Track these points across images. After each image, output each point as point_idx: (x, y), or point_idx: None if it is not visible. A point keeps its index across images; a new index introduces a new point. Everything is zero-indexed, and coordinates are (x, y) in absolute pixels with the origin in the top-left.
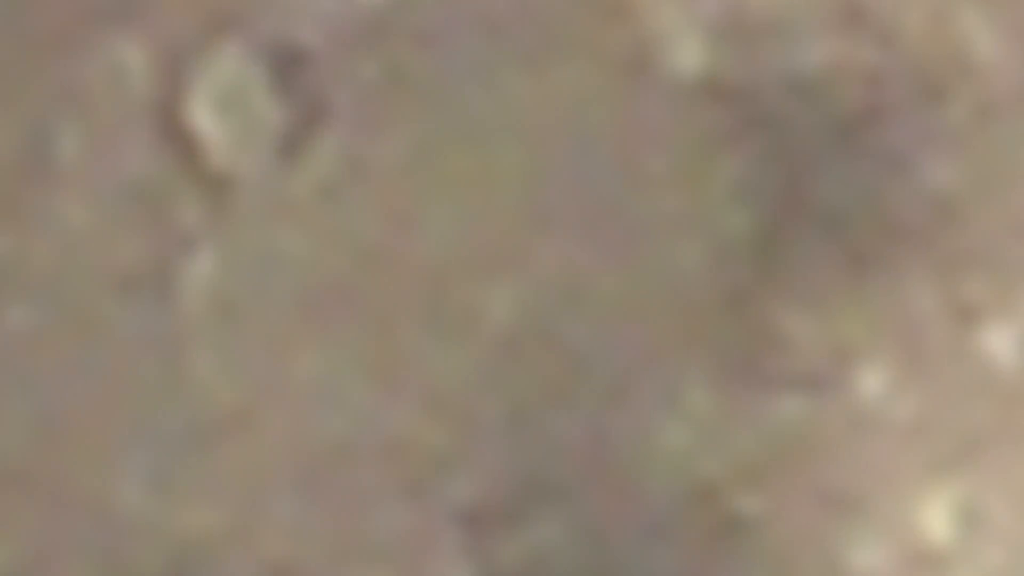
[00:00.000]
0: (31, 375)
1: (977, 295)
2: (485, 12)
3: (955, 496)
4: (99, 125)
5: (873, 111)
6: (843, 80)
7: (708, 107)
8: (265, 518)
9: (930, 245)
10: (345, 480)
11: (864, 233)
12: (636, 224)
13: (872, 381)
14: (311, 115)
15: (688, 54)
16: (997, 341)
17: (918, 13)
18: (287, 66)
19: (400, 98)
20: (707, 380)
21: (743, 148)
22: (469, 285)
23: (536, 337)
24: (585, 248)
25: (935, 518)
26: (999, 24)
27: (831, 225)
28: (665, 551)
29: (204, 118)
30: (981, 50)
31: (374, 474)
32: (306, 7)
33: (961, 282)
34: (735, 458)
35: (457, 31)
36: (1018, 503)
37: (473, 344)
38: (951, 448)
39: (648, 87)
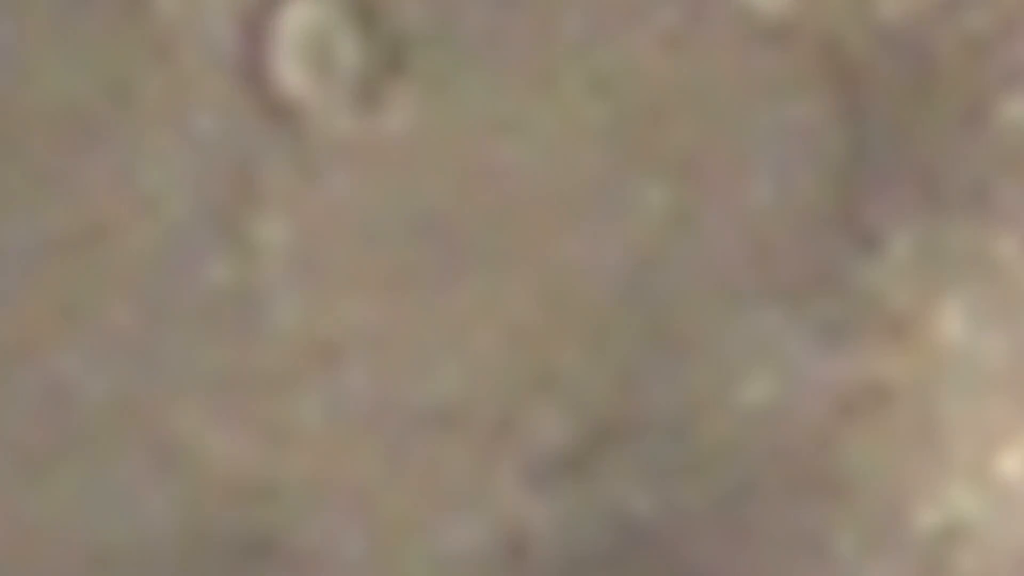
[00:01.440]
0: (114, 319)
1: None
2: None
3: None
4: (179, 73)
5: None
6: (927, 30)
7: (785, 50)
8: (343, 465)
9: (1017, 185)
10: (422, 425)
11: (944, 180)
12: (710, 169)
13: (955, 325)
14: (392, 61)
15: None
16: None
17: None
18: (369, 12)
19: (480, 44)
20: (789, 330)
21: (819, 95)
22: (550, 231)
23: (620, 283)
24: (665, 196)
25: (1018, 465)
26: None
27: (909, 171)
28: (751, 504)
29: (285, 64)
30: None
31: (452, 419)
32: None
33: None
34: (818, 409)
35: None
36: None
37: (554, 289)
38: None
39: (725, 28)
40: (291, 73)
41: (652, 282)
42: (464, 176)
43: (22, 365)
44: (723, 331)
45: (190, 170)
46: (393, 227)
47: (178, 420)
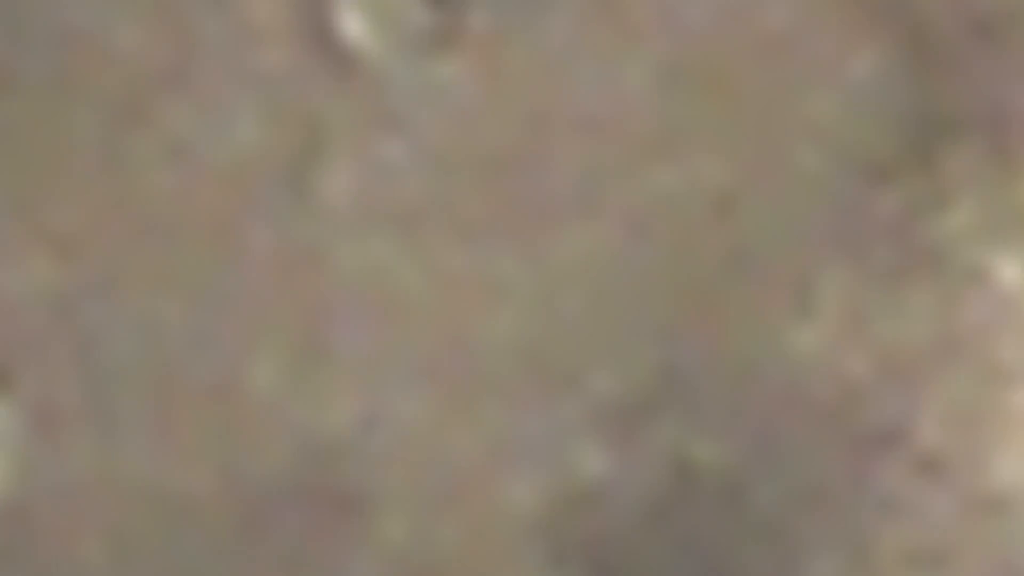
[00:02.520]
0: (183, 271)
1: None
2: None
3: None
4: (243, 24)
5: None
6: None
7: (851, 4)
8: (412, 413)
9: None
10: (486, 375)
11: (1013, 131)
12: (771, 127)
13: (1015, 272)
14: (456, 12)
15: None
16: None
17: None
18: None
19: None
20: (844, 278)
21: (886, 48)
22: (617, 180)
23: (681, 231)
24: (724, 153)
25: None
26: None
27: (971, 123)
28: (815, 453)
29: (349, 14)
30: None
31: (517, 368)
32: None
33: None
34: (875, 356)
35: None
36: None
37: (617, 237)
38: None
39: None
40: (355, 22)
41: (726, 227)
42: (529, 122)
43: (108, 302)
44: (789, 279)
45: (254, 121)
46: (460, 175)
47: (251, 373)
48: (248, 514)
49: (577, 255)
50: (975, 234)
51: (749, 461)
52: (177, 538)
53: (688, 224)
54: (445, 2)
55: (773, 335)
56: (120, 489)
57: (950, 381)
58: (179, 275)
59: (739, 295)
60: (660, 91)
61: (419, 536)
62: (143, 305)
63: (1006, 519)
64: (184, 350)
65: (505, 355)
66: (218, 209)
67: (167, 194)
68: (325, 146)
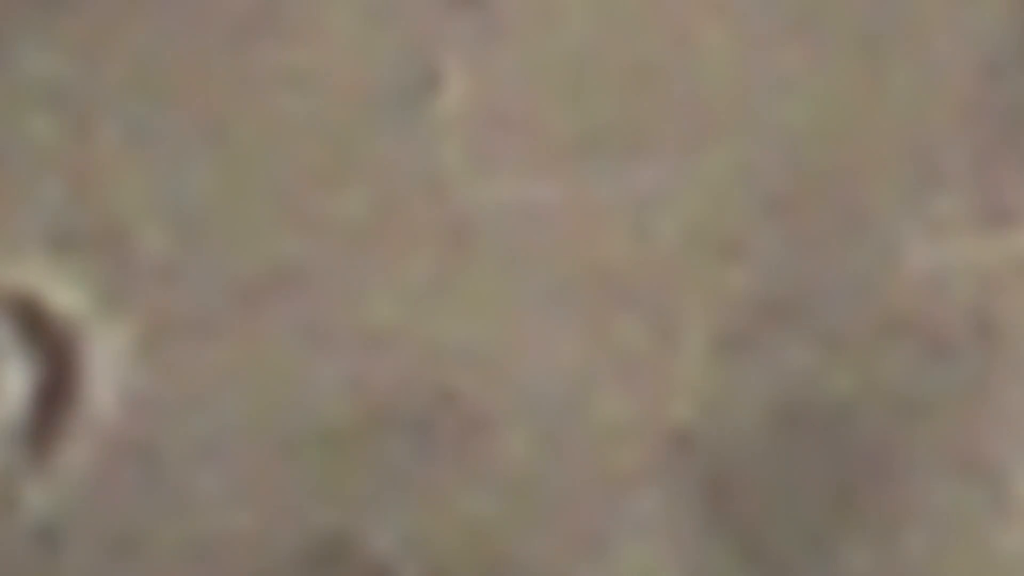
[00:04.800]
0: (296, 192)
1: None
2: None
3: None
4: None
5: None
6: None
7: None
8: (524, 333)
9: None
10: (595, 295)
11: None
12: (897, 31)
13: None
14: None
15: None
16: None
17: None
18: None
19: None
20: (954, 215)
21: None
22: (743, 103)
23: (804, 147)
24: (851, 63)
25: None
26: None
27: None
28: (934, 369)
29: None
30: None
31: (623, 287)
32: None
33: None
34: (985, 276)
35: None
36: None
37: (718, 169)
38: None
39: None
40: None
41: (834, 158)
42: (660, 35)
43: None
44: (894, 207)
45: (367, 47)
46: (577, 97)
47: (381, 288)
48: (372, 430)
49: (723, 171)
50: None
51: (859, 378)
52: (299, 453)
53: (803, 147)
54: None
55: (892, 252)
56: (255, 397)
57: None
58: (304, 195)
59: (862, 212)
60: (770, 35)
61: (543, 457)
62: (272, 225)
63: None
64: (316, 269)
65: (619, 273)
66: (332, 133)
67: (291, 114)
68: (440, 70)
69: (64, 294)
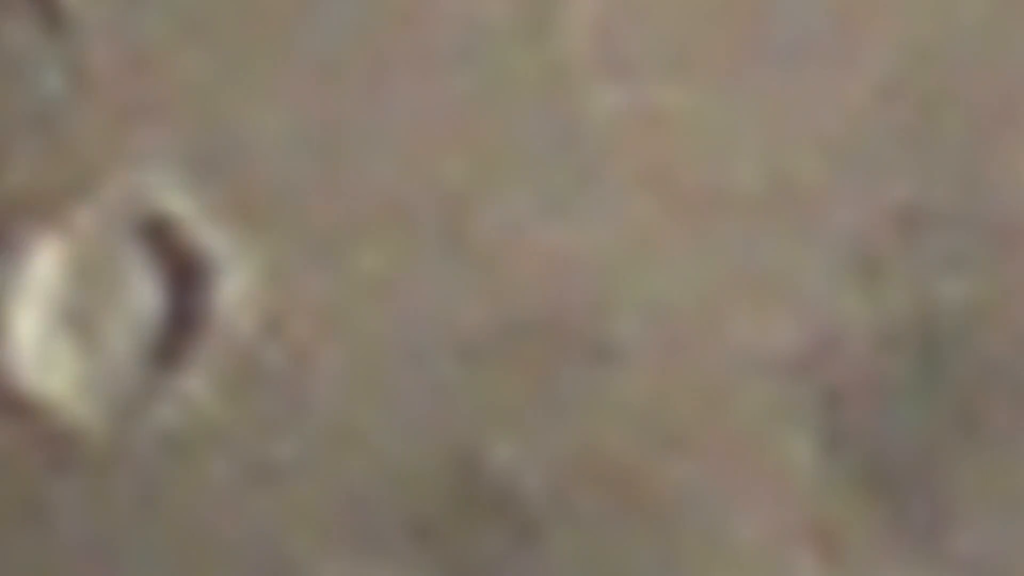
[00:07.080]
0: (412, 112)
1: None
2: None
3: None
4: None
5: None
6: None
7: None
8: (646, 251)
9: None
10: (732, 218)
11: None
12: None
13: None
14: None
15: None
16: None
17: None
18: None
19: None
20: None
21: None
22: (843, 39)
23: (910, 79)
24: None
25: None
26: None
27: None
28: None
29: None
30: None
31: (761, 212)
32: None
33: None
34: None
35: None
36: None
37: (854, 88)
38: None
39: None
40: None
41: (949, 92)
42: None
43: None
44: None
45: None
46: (702, 8)
47: (493, 211)
48: (505, 342)
49: (826, 88)
50: None
51: (986, 300)
52: (435, 366)
53: (916, 67)
54: None
55: (1006, 173)
56: (392, 313)
57: None
58: (412, 120)
59: (992, 140)
60: None
61: (668, 382)
62: (411, 143)
63: None
64: (454, 186)
65: (750, 191)
66: (457, 43)
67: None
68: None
69: (197, 219)
